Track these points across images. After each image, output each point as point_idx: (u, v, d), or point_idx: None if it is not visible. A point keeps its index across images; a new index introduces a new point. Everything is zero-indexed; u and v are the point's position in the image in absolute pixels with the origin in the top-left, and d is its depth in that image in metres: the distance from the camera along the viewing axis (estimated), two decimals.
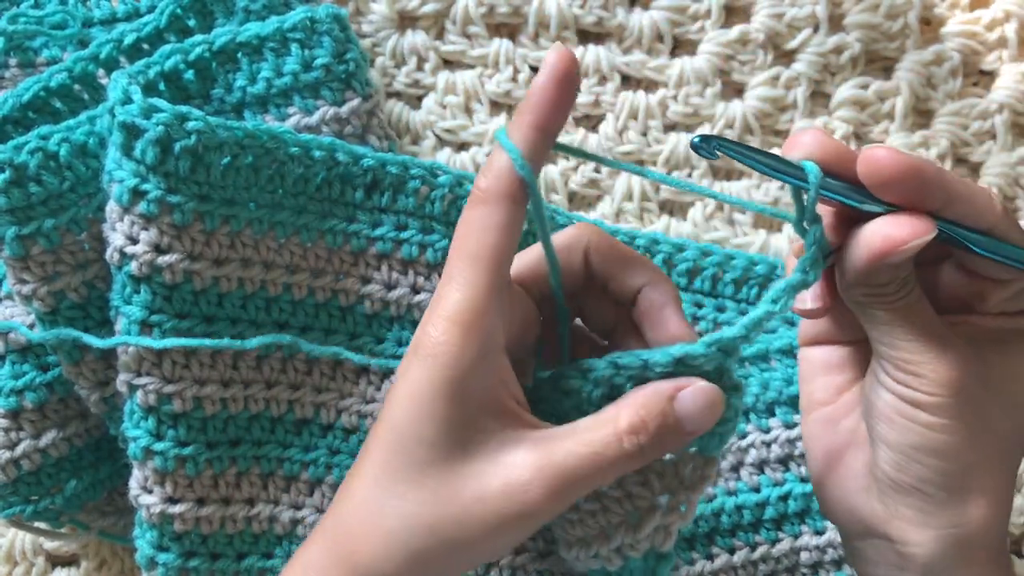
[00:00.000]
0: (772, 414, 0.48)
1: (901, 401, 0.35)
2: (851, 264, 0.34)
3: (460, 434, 0.33)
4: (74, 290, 0.45)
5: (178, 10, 0.49)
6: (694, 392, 0.34)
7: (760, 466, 0.48)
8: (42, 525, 0.52)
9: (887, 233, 0.32)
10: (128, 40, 0.48)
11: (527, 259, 0.39)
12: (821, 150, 0.33)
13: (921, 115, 0.55)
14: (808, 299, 0.37)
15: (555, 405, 0.37)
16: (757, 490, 0.48)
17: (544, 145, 0.34)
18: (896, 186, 0.32)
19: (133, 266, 0.41)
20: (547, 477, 0.32)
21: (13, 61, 0.51)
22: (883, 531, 0.36)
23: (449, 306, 0.33)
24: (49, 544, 0.57)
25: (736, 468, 0.48)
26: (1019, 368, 0.36)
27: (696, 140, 0.33)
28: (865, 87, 0.54)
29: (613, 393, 0.35)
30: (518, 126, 0.34)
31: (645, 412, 0.33)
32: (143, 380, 0.42)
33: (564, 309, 0.38)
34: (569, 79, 0.34)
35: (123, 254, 0.41)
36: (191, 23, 0.49)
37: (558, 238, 0.38)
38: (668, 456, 0.36)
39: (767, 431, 0.48)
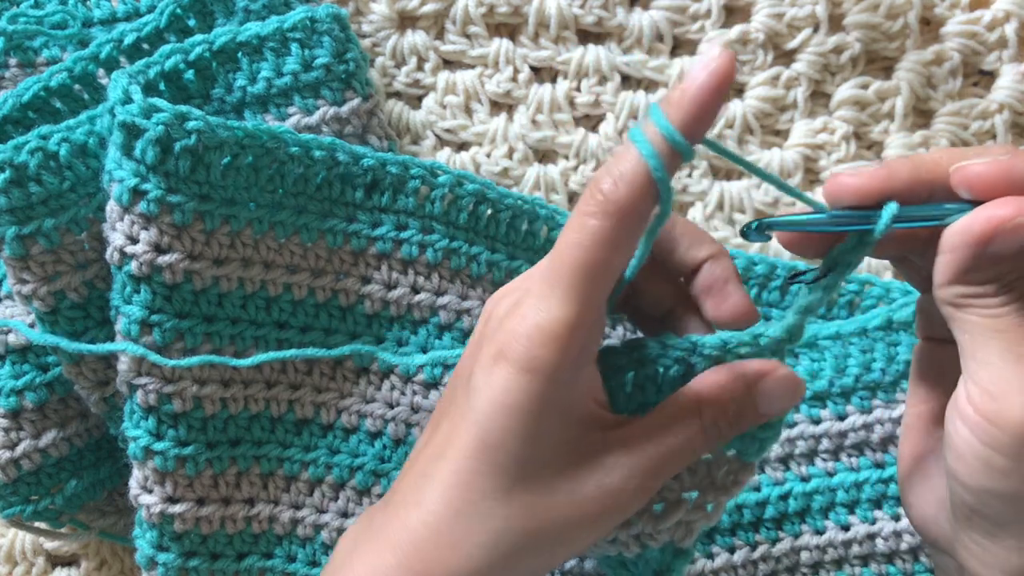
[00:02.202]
0: None
1: (975, 440, 0.31)
2: (948, 257, 0.31)
3: (550, 444, 0.32)
4: (74, 290, 0.45)
5: (178, 10, 0.49)
6: (778, 379, 0.33)
7: (760, 465, 0.48)
8: (42, 525, 0.52)
9: (989, 214, 0.30)
10: (128, 40, 0.48)
11: None
12: (887, 187, 0.32)
13: (921, 115, 0.55)
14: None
15: (623, 373, 0.36)
16: (757, 489, 0.48)
17: (683, 153, 0.29)
18: (991, 192, 0.30)
19: (133, 266, 0.41)
20: (641, 475, 0.32)
21: (13, 61, 0.51)
22: (951, 551, 0.35)
23: (552, 319, 0.30)
24: (49, 544, 0.57)
25: None
26: None
27: (747, 228, 0.34)
28: (865, 87, 0.54)
29: (687, 372, 0.35)
30: (657, 127, 0.30)
31: (729, 399, 0.33)
32: (143, 380, 0.42)
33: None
34: (727, 84, 0.29)
35: (123, 254, 0.41)
36: (191, 23, 0.49)
37: None
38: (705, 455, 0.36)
39: None
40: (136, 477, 0.44)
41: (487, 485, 0.32)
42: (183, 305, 0.43)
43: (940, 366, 0.37)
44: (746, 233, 0.34)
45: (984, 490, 0.31)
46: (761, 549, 0.48)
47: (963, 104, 0.54)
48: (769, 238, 0.34)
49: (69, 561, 0.57)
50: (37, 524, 0.52)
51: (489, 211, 0.48)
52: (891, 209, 0.31)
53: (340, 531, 0.47)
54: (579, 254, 0.30)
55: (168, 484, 0.44)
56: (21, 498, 0.50)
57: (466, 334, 0.47)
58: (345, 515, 0.47)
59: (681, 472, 0.36)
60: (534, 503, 0.32)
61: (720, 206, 0.55)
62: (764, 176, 0.34)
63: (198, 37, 0.47)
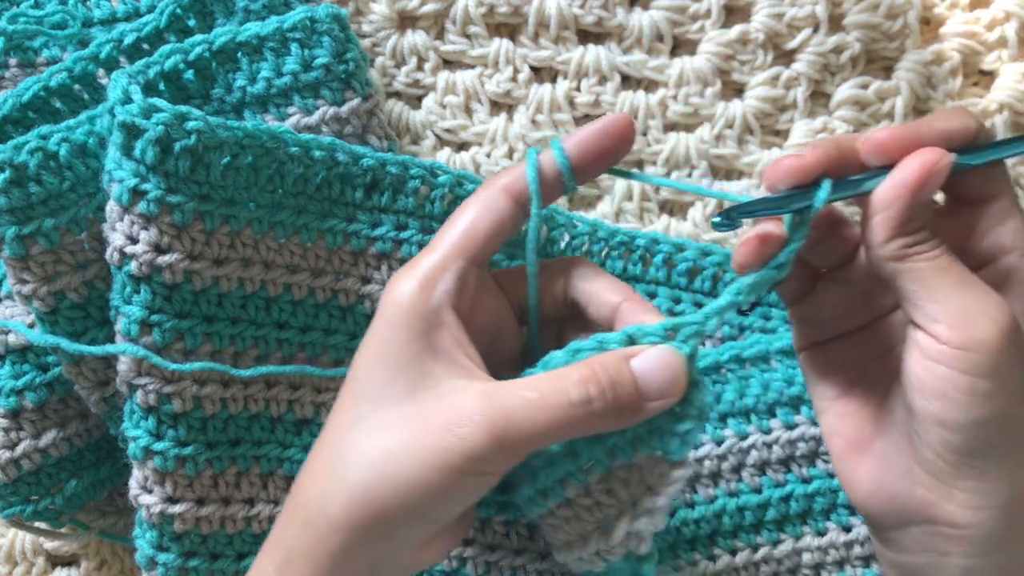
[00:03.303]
0: (773, 415, 0.48)
1: (955, 371, 0.32)
2: (884, 214, 0.33)
3: (409, 376, 0.35)
4: (74, 290, 0.45)
5: (178, 10, 0.49)
6: (653, 352, 0.34)
7: (761, 467, 0.48)
8: (42, 525, 0.52)
9: (920, 161, 0.33)
10: (128, 40, 0.48)
11: (513, 270, 0.41)
12: (826, 163, 0.34)
13: (921, 115, 0.55)
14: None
15: None
16: (759, 491, 0.48)
17: (564, 172, 0.38)
18: (900, 151, 0.34)
19: (133, 266, 0.41)
20: (487, 414, 0.33)
21: (13, 61, 0.51)
22: (928, 516, 0.35)
23: (415, 265, 0.37)
24: (49, 544, 0.57)
25: (737, 469, 0.48)
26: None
27: (717, 220, 0.36)
28: (865, 87, 0.54)
29: None
30: (550, 155, 0.37)
31: (599, 366, 0.34)
32: (143, 380, 0.42)
33: (535, 313, 0.40)
34: (614, 136, 0.37)
35: (123, 254, 0.41)
36: (191, 23, 0.49)
37: (546, 264, 0.40)
38: (632, 461, 0.36)
39: (768, 432, 0.48)
40: (136, 477, 0.44)
41: (358, 413, 0.35)
42: (183, 305, 0.43)
43: (834, 361, 0.39)
44: (716, 225, 0.36)
45: (974, 421, 0.33)
46: (763, 551, 0.48)
47: (963, 104, 0.54)
48: (739, 225, 0.36)
49: (69, 561, 0.57)
50: (37, 524, 0.52)
51: None
52: (828, 183, 0.34)
53: None
54: (455, 215, 0.38)
55: (168, 484, 0.44)
56: (21, 498, 0.50)
57: None
58: None
59: (616, 486, 0.36)
60: (388, 426, 0.34)
61: (721, 206, 0.55)
62: (675, 185, 0.41)
63: (198, 37, 0.47)
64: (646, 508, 0.36)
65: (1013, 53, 0.54)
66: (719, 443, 0.48)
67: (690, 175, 0.55)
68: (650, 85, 0.55)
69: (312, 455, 0.37)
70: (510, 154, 0.55)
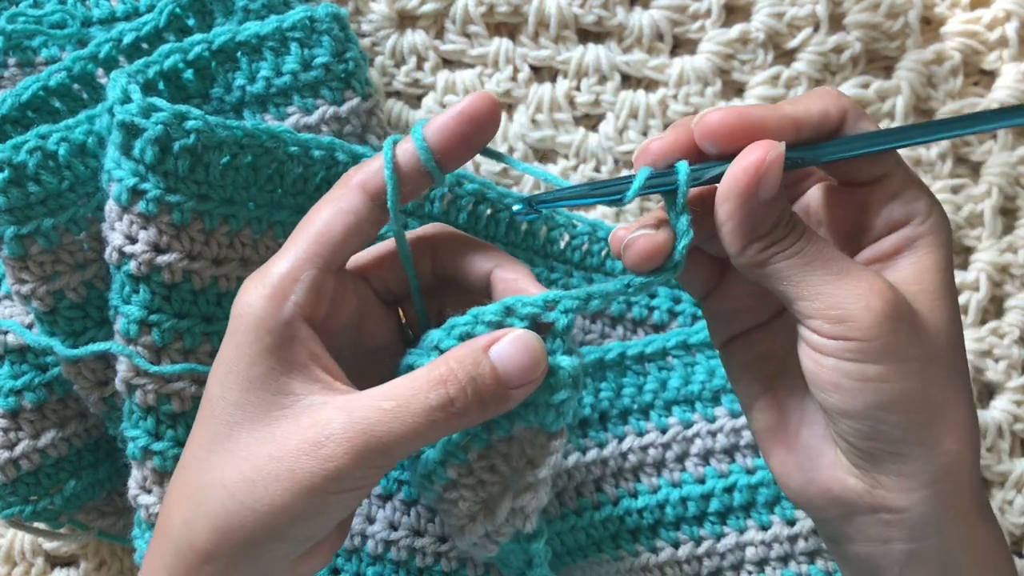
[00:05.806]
0: (718, 403, 0.48)
1: (843, 361, 0.32)
2: (730, 224, 0.32)
3: (263, 395, 0.33)
4: (73, 290, 0.45)
5: (177, 9, 0.49)
6: (510, 338, 0.32)
7: (705, 456, 0.47)
8: (41, 525, 0.52)
9: (742, 165, 0.31)
10: (127, 39, 0.48)
11: (372, 255, 0.39)
12: (682, 148, 0.33)
13: (922, 114, 0.55)
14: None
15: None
16: (702, 481, 0.47)
17: (427, 164, 0.34)
18: (731, 138, 0.32)
19: (132, 265, 0.41)
20: (347, 431, 0.31)
21: (12, 60, 0.51)
22: (865, 505, 0.34)
23: (265, 272, 0.34)
24: (48, 544, 0.57)
25: (681, 459, 0.48)
26: (928, 275, 0.33)
27: (517, 208, 0.34)
28: (866, 86, 0.54)
29: None
30: (410, 144, 0.34)
31: (455, 362, 0.32)
32: (142, 380, 0.42)
33: (422, 309, 0.39)
34: (476, 119, 0.34)
35: (122, 253, 0.41)
36: (190, 22, 0.49)
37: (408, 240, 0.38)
38: (511, 435, 0.35)
39: (713, 420, 0.47)
40: (135, 477, 0.44)
41: (209, 436, 0.33)
42: (182, 305, 0.43)
43: (755, 354, 0.38)
44: (516, 214, 0.35)
45: (873, 406, 0.32)
46: (706, 544, 0.47)
47: (964, 103, 0.54)
48: (539, 213, 0.35)
49: (68, 561, 0.57)
50: (36, 524, 0.52)
51: (489, 211, 0.48)
52: (684, 165, 0.32)
53: None
54: (308, 215, 0.35)
55: (167, 484, 0.44)
56: (20, 498, 0.49)
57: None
58: None
59: (496, 462, 0.35)
60: (241, 451, 0.33)
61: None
62: (534, 173, 0.37)
63: (197, 36, 0.47)
64: (528, 482, 0.35)
65: (1014, 52, 0.54)
66: (663, 431, 0.47)
67: None
68: (650, 84, 0.55)
69: (174, 479, 0.35)
70: (510, 153, 0.55)
